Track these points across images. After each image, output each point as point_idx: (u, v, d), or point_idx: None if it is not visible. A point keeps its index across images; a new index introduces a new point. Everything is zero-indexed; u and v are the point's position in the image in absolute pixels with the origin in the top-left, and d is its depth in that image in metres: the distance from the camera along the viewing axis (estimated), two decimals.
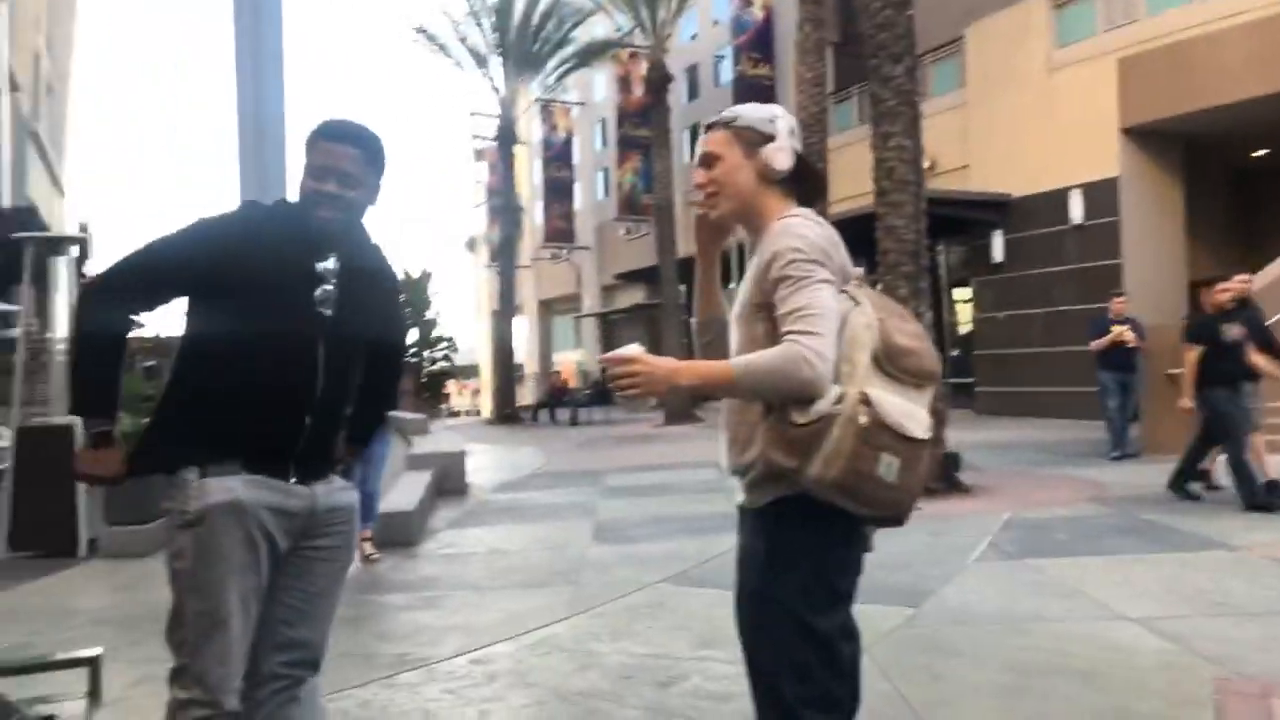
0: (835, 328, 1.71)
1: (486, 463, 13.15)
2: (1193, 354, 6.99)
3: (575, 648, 4.12)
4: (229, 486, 2.00)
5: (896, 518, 1.80)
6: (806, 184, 2.00)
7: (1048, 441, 11.77)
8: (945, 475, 8.09)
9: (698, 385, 1.79)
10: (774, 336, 1.76)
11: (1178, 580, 4.79)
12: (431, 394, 33.48)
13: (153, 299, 2.08)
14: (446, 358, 35.99)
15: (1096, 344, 9.92)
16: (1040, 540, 5.93)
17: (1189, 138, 15.01)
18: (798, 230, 1.81)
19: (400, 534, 6.78)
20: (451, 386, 39.63)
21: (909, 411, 1.74)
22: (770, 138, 1.93)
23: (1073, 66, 15.61)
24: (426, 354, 34.32)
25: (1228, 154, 16.13)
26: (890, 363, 1.74)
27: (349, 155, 2.10)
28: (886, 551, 5.67)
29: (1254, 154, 16.28)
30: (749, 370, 1.71)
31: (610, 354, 1.77)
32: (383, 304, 2.34)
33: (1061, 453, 10.57)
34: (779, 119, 1.96)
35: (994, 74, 16.95)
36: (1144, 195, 15.04)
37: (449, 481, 9.63)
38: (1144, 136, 14.86)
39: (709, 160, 1.96)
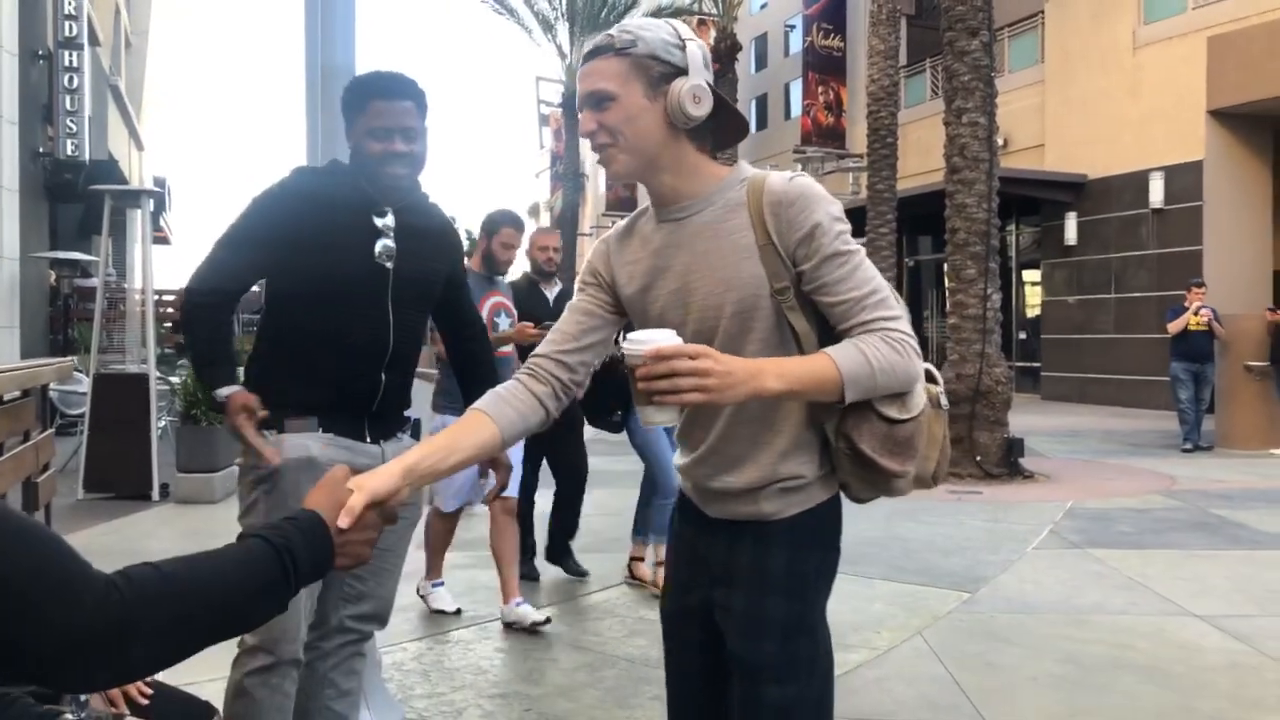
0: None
1: None
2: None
3: (628, 614, 4.15)
4: (304, 444, 2.05)
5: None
6: (725, 126, 1.56)
7: (1116, 430, 11.47)
8: (1007, 461, 7.95)
9: (791, 387, 1.40)
10: (817, 323, 1.49)
11: (1247, 578, 4.65)
12: None
13: (239, 291, 2.16)
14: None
15: (1174, 325, 9.65)
16: (1104, 531, 5.79)
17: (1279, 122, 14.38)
18: (825, 195, 1.49)
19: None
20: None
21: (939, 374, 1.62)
22: (681, 70, 1.48)
23: (1159, 44, 14.99)
24: None
25: None
26: None
27: (407, 110, 2.10)
28: (944, 535, 5.65)
29: None
30: (862, 367, 1.40)
31: (663, 345, 1.31)
32: (448, 265, 2.33)
33: (1130, 442, 10.30)
34: (690, 43, 1.50)
35: (1075, 50, 16.37)
36: (1229, 180, 14.45)
37: None
38: (1232, 119, 14.25)
39: (599, 100, 1.49)
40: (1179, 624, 3.94)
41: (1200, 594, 4.37)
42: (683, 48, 1.49)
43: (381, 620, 2.27)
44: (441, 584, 4.28)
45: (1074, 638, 3.78)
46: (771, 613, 1.51)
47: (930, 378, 1.55)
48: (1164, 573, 4.76)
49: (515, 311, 4.37)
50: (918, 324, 20.52)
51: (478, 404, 1.53)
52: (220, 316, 2.14)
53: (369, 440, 2.15)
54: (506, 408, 1.52)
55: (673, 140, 1.50)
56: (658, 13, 25.78)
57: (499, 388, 1.56)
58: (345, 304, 2.08)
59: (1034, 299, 17.96)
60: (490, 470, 2.31)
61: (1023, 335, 17.83)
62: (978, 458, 7.88)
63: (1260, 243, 14.77)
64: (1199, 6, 14.65)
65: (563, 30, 25.24)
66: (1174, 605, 4.20)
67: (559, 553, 4.89)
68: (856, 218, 15.15)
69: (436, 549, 4.27)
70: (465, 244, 3.50)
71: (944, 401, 1.57)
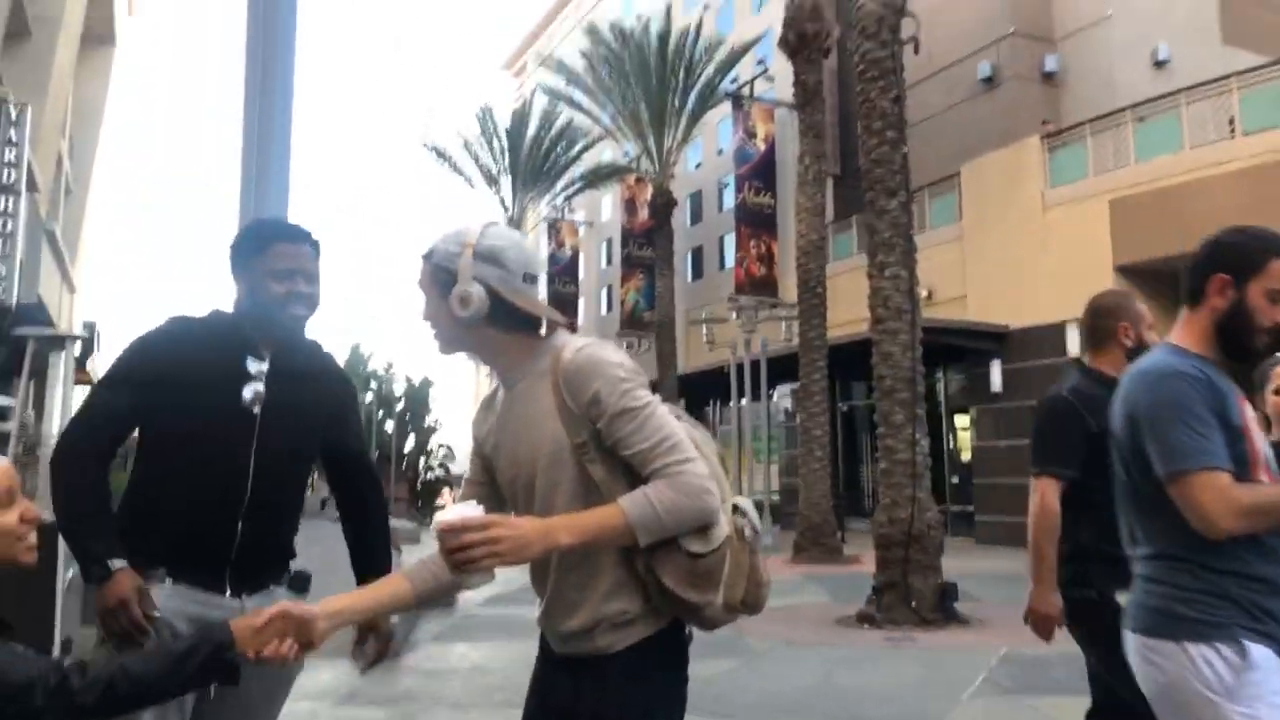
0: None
1: None
2: None
3: None
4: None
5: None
6: (516, 317, 1.69)
7: None
8: (942, 606, 7.95)
9: (582, 539, 1.55)
10: (615, 475, 1.62)
11: None
12: (426, 503, 33.15)
13: (114, 442, 2.08)
14: (444, 465, 35.77)
15: None
16: (1038, 676, 5.77)
17: (1179, 277, 15.34)
18: (609, 358, 1.64)
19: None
20: (447, 495, 39.29)
21: (750, 506, 1.73)
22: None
23: (1066, 205, 16.09)
24: (423, 461, 34.13)
25: None
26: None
27: (308, 253, 2.16)
28: (877, 684, 5.58)
29: None
30: (649, 513, 1.54)
31: (451, 520, 1.50)
32: (330, 407, 2.26)
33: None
34: (466, 251, 1.66)
35: (990, 210, 17.45)
36: None
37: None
38: (1137, 274, 15.18)
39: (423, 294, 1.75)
40: None
41: None
42: (459, 255, 1.66)
43: None
44: None
45: None
46: None
47: (738, 510, 1.67)
48: None
49: None
50: (853, 469, 20.79)
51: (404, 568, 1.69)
52: (89, 463, 2.01)
53: (229, 593, 2.05)
54: (423, 569, 1.66)
55: (472, 329, 1.69)
56: (597, 170, 26.97)
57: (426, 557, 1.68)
58: (203, 449, 2.03)
59: (966, 443, 18.39)
60: (369, 634, 2.10)
61: (956, 479, 18.14)
62: (913, 603, 7.87)
63: None
64: (1099, 174, 15.84)
65: (505, 183, 26.16)
66: None
67: None
68: (790, 364, 15.54)
69: None
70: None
71: (749, 532, 1.67)
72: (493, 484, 1.80)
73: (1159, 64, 17.97)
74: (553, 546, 1.54)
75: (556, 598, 1.68)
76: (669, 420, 1.62)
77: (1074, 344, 15.44)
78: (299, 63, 3.28)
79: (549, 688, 1.74)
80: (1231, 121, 14.29)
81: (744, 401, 19.38)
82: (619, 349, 1.71)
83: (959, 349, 16.64)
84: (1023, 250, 16.50)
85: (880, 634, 7.43)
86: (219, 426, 2.05)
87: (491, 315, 1.66)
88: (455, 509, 1.53)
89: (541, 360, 1.69)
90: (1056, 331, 15.69)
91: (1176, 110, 15.01)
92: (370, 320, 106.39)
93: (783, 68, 18.91)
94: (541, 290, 1.77)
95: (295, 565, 2.26)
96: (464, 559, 1.48)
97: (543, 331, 1.72)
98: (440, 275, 1.68)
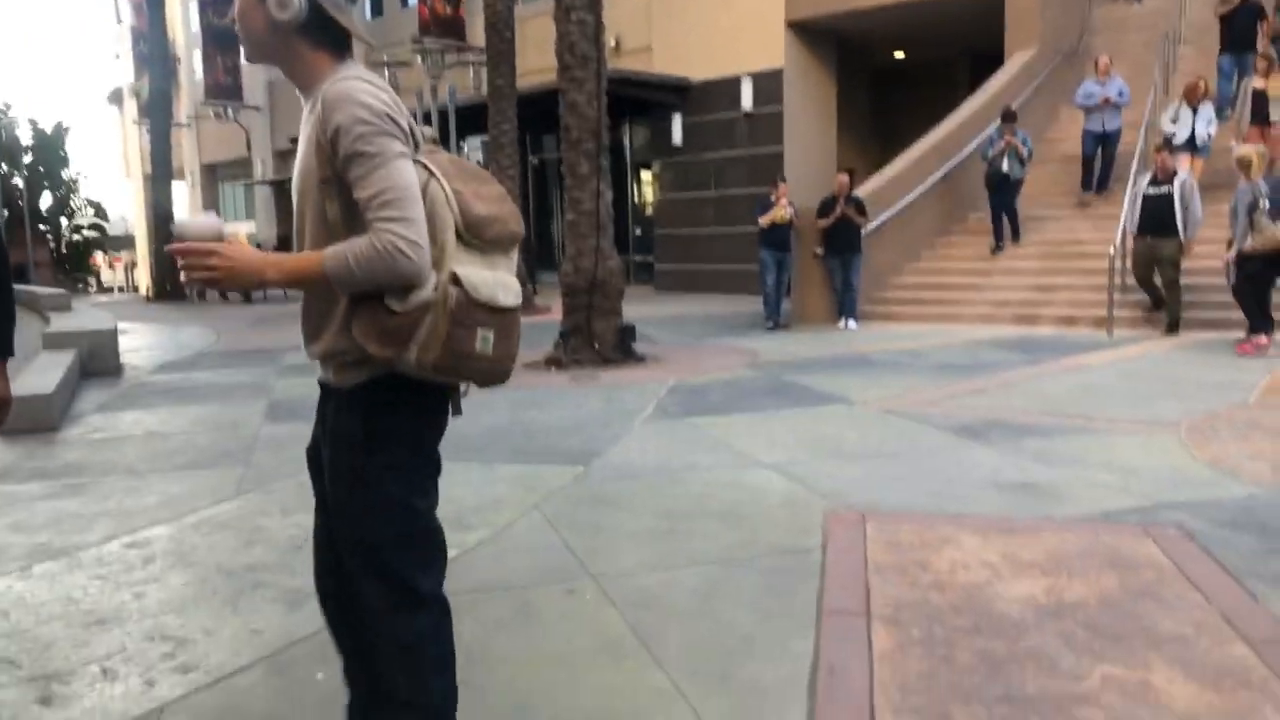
0: (422, 209, 1.63)
1: (145, 342, 12.00)
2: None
3: (242, 525, 4.00)
4: None
5: (499, 381, 1.79)
6: (330, 32, 1.74)
7: (715, 315, 12.80)
8: (621, 346, 8.59)
9: (287, 281, 1.67)
10: (351, 213, 1.66)
11: (806, 431, 5.52)
12: (75, 267, 29.65)
13: None
14: (95, 226, 31.84)
15: (763, 219, 10.87)
16: (699, 402, 6.53)
17: (841, 36, 16.41)
18: (358, 98, 1.63)
19: (37, 419, 6.10)
20: (100, 259, 35.16)
21: (500, 282, 1.72)
22: None
23: None
24: (66, 222, 30.13)
25: (872, 55, 17.86)
26: (474, 234, 1.69)
27: None
28: (562, 418, 6.04)
29: (895, 55, 18.14)
30: (343, 267, 1.61)
31: (181, 244, 1.61)
32: None
33: (726, 325, 11.56)
34: None
35: None
36: (804, 88, 16.32)
37: (98, 362, 8.71)
38: (805, 31, 16.03)
39: None
40: (752, 474, 4.60)
41: (769, 447, 5.12)
42: None
43: None
44: None
45: (668, 494, 4.28)
46: (338, 464, 1.79)
47: (459, 281, 1.66)
48: (743, 432, 5.50)
49: None
50: (544, 223, 21.10)
51: None
52: None
53: None
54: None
55: (282, 38, 1.71)
56: None
57: None
58: None
59: (649, 197, 19.21)
60: None
61: (639, 231, 19.06)
62: (595, 345, 8.43)
63: (827, 145, 16.94)
64: None
65: None
66: (749, 458, 4.89)
67: None
68: (480, 114, 15.07)
69: None
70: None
71: (454, 304, 1.66)
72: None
73: None
74: (262, 281, 1.65)
75: (305, 324, 1.81)
76: (400, 176, 1.62)
77: (747, 99, 16.28)
78: None
79: (321, 407, 1.89)
80: None
81: None
82: (385, 91, 1.68)
83: (644, 102, 16.95)
84: (705, 2, 16.72)
85: (566, 375, 7.95)
86: None
87: (305, 25, 1.69)
88: (199, 217, 1.65)
89: (324, 87, 1.69)
90: (733, 85, 16.40)
91: None
92: None
93: None
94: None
95: None
96: (183, 267, 1.60)
97: (348, 56, 1.75)
98: None
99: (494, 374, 1.76)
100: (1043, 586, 3.09)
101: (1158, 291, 9.47)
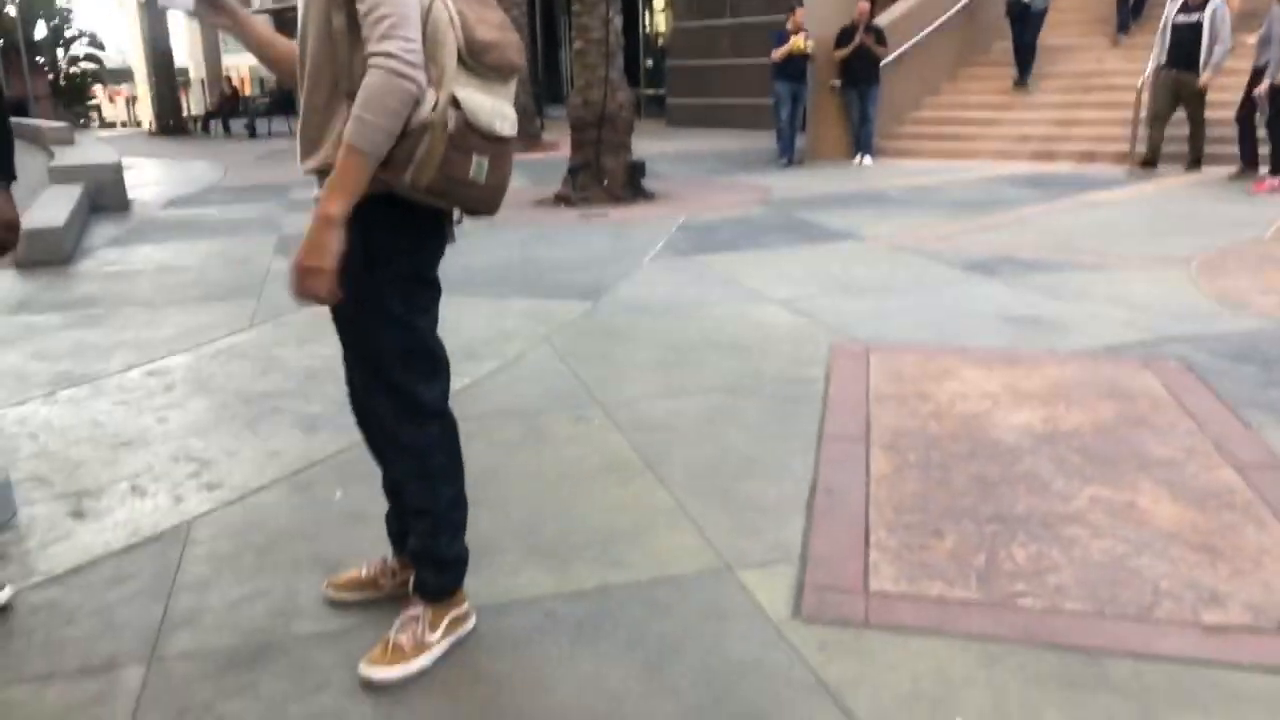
0: (418, 30, 1.61)
1: (152, 177, 11.89)
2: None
3: (258, 355, 4.09)
4: None
5: (489, 211, 1.82)
6: None
7: (729, 151, 12.52)
8: (631, 183, 8.46)
9: (345, 194, 1.61)
10: (355, 23, 1.63)
11: (816, 267, 5.50)
12: (74, 100, 29.00)
13: None
14: (91, 57, 30.90)
15: (777, 53, 10.44)
16: (709, 239, 6.49)
17: None
18: None
19: (50, 252, 6.14)
20: (100, 93, 34.24)
21: (498, 110, 1.72)
22: None
23: None
24: (61, 53, 29.27)
25: None
26: (474, 58, 1.67)
27: None
28: (571, 254, 6.03)
29: None
30: (359, 126, 1.58)
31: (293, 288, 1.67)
32: None
33: (739, 161, 11.32)
34: None
35: None
36: None
37: (105, 197, 8.66)
38: None
39: None
40: (759, 309, 4.63)
41: (778, 283, 5.13)
42: None
43: None
44: None
45: (675, 329, 4.32)
46: (341, 282, 1.70)
47: (458, 104, 1.65)
48: (753, 269, 5.49)
49: None
50: (552, 54, 20.37)
51: None
52: None
53: None
54: None
55: None
56: None
57: None
58: None
59: (660, 25, 18.43)
60: None
61: (650, 62, 18.40)
62: (605, 181, 8.31)
63: None
64: None
65: None
66: (757, 294, 4.91)
67: None
68: None
69: None
70: None
71: (454, 127, 1.65)
72: None
73: None
74: (336, 228, 1.62)
75: (303, 137, 1.77)
76: None
77: None
78: None
79: None
80: None
81: None
82: None
83: None
84: None
85: (575, 212, 7.88)
86: None
87: None
88: None
89: None
90: None
91: None
92: None
93: None
94: None
95: None
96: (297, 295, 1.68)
97: None
98: None
99: (484, 203, 1.77)
100: (1040, 416, 3.16)
101: (1160, 141, 9.14)
